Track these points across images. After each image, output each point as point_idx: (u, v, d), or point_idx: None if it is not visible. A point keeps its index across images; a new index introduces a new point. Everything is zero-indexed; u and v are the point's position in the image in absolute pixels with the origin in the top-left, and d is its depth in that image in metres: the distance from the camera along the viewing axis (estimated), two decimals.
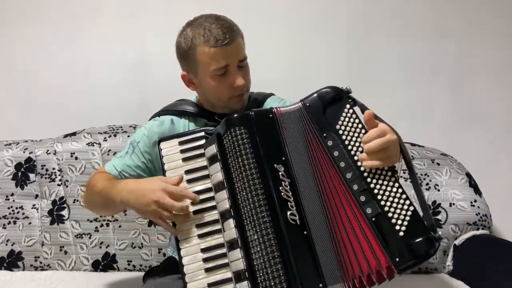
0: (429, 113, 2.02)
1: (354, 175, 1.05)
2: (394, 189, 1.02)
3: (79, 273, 1.70)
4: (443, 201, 1.75)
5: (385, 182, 1.02)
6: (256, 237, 1.05)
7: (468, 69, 2.01)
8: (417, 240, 0.98)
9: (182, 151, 1.21)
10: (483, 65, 2.01)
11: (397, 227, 0.99)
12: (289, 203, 1.06)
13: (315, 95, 1.14)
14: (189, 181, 1.17)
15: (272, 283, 1.01)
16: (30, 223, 1.72)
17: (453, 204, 1.74)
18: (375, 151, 1.00)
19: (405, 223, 0.99)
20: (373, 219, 1.01)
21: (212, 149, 1.15)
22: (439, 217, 1.74)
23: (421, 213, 1.01)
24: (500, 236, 1.88)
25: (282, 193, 1.07)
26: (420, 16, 2.00)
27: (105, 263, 1.72)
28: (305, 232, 1.05)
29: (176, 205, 1.09)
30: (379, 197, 1.02)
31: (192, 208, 1.14)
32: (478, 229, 1.73)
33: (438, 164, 1.81)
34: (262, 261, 1.03)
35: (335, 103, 1.11)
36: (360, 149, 1.05)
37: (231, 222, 1.08)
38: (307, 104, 1.14)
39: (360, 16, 1.99)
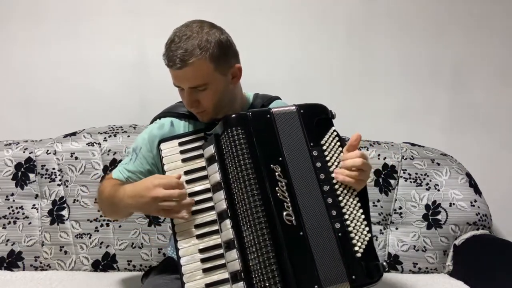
0: (429, 113, 2.02)
1: (330, 189, 1.10)
2: (359, 214, 1.10)
3: (79, 273, 1.69)
4: (443, 201, 1.75)
5: (353, 205, 1.10)
6: (252, 237, 1.05)
7: (468, 69, 2.01)
8: (371, 264, 1.06)
9: (182, 152, 1.22)
10: (483, 65, 2.01)
11: (356, 248, 1.06)
12: (285, 203, 1.07)
13: (308, 105, 1.19)
14: (188, 182, 1.17)
15: (267, 284, 1.01)
16: (30, 223, 1.72)
17: (453, 204, 1.74)
18: (352, 168, 1.08)
19: (363, 246, 1.07)
20: (339, 234, 1.07)
21: (210, 149, 1.16)
22: (439, 217, 1.73)
23: None
24: (500, 236, 1.87)
25: (278, 194, 1.07)
26: (420, 16, 1.99)
27: (105, 263, 1.72)
28: (301, 233, 1.05)
29: (174, 192, 1.09)
30: (346, 216, 1.09)
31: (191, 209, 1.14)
32: (478, 229, 1.73)
33: (438, 164, 1.81)
34: (257, 261, 1.03)
35: (324, 122, 1.18)
36: (337, 169, 1.12)
37: (228, 223, 1.09)
38: (301, 111, 1.17)
39: (360, 17, 1.99)
